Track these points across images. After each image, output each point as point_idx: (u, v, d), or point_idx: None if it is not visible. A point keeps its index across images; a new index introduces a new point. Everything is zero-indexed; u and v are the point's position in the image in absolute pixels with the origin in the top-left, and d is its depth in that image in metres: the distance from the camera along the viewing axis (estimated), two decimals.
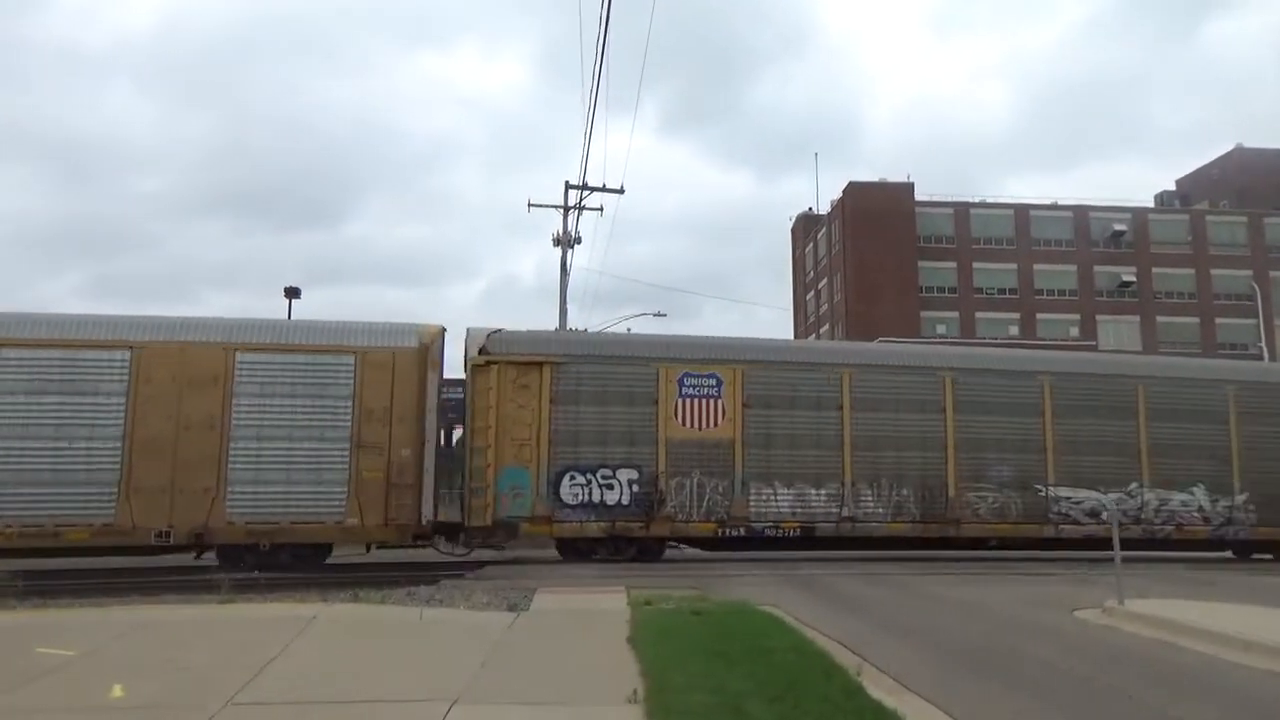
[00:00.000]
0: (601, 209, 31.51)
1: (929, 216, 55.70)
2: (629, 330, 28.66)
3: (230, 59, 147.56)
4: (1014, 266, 55.46)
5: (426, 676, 6.95)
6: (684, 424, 16.94)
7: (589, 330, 29.09)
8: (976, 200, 57.18)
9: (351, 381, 15.56)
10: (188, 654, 7.60)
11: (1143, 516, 18.33)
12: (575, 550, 16.88)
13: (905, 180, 56.22)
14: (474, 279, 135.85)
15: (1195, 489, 18.79)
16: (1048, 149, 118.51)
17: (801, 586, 13.46)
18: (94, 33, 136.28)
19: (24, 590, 11.15)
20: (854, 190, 56.20)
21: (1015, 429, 18.30)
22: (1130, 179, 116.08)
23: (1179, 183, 65.69)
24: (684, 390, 17.03)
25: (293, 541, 15.23)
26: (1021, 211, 56.48)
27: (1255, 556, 19.56)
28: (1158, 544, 18.57)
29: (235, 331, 15.70)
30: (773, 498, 17.12)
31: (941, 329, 53.42)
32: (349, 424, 15.43)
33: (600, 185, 29.89)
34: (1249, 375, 20.40)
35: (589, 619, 9.65)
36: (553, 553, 17.71)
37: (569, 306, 30.74)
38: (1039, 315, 54.78)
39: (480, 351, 16.59)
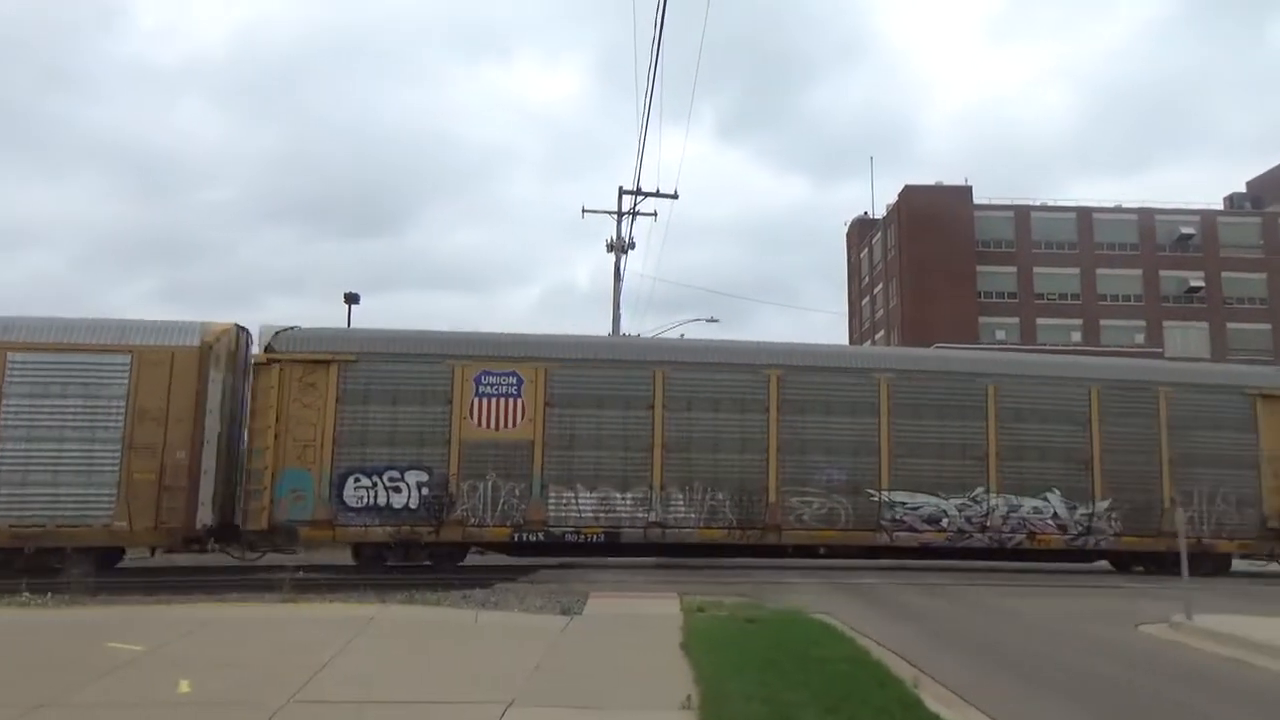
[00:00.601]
0: (655, 214, 31.53)
1: (988, 220, 54.72)
2: (682, 335, 28.68)
3: (298, 73, 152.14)
4: (1076, 271, 54.19)
5: (482, 678, 7.02)
6: (480, 424, 16.08)
7: (626, 333, 29.16)
8: (1037, 203, 56.02)
9: (125, 381, 15.06)
10: (251, 651, 7.79)
11: (989, 524, 16.94)
12: (368, 556, 16.03)
13: (963, 184, 55.36)
14: (530, 285, 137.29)
15: (1050, 495, 17.23)
16: (1112, 153, 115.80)
17: (856, 595, 13.31)
18: (169, 50, 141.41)
19: (95, 587, 11.51)
20: (910, 194, 55.47)
21: (848, 430, 16.97)
22: (1199, 182, 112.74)
23: (1250, 184, 63.56)
24: (481, 389, 16.20)
25: (60, 545, 14.52)
26: (1084, 214, 55.18)
27: (1134, 569, 18.15)
28: (1009, 554, 17.42)
29: (7, 330, 15.27)
30: (574, 501, 16.17)
31: (1000, 334, 52.44)
32: (121, 425, 14.94)
33: (654, 190, 29.93)
34: (1114, 373, 18.59)
35: (642, 624, 9.65)
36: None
37: (622, 312, 30.85)
38: (1103, 321, 53.45)
39: (265, 349, 15.97)
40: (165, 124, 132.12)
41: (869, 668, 7.45)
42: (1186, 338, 52.99)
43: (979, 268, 53.54)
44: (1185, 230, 54.65)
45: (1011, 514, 17.10)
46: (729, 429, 16.74)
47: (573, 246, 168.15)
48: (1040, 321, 53.30)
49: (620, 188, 29.97)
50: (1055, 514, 17.26)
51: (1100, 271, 54.13)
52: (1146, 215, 55.15)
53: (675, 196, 29.98)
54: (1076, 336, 52.33)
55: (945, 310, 50.79)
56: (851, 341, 61.08)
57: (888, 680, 6.97)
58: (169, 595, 11.42)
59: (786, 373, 17.06)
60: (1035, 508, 17.21)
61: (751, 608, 10.55)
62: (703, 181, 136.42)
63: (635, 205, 29.94)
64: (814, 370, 17.29)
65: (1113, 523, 17.29)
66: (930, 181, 56.42)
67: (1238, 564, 18.37)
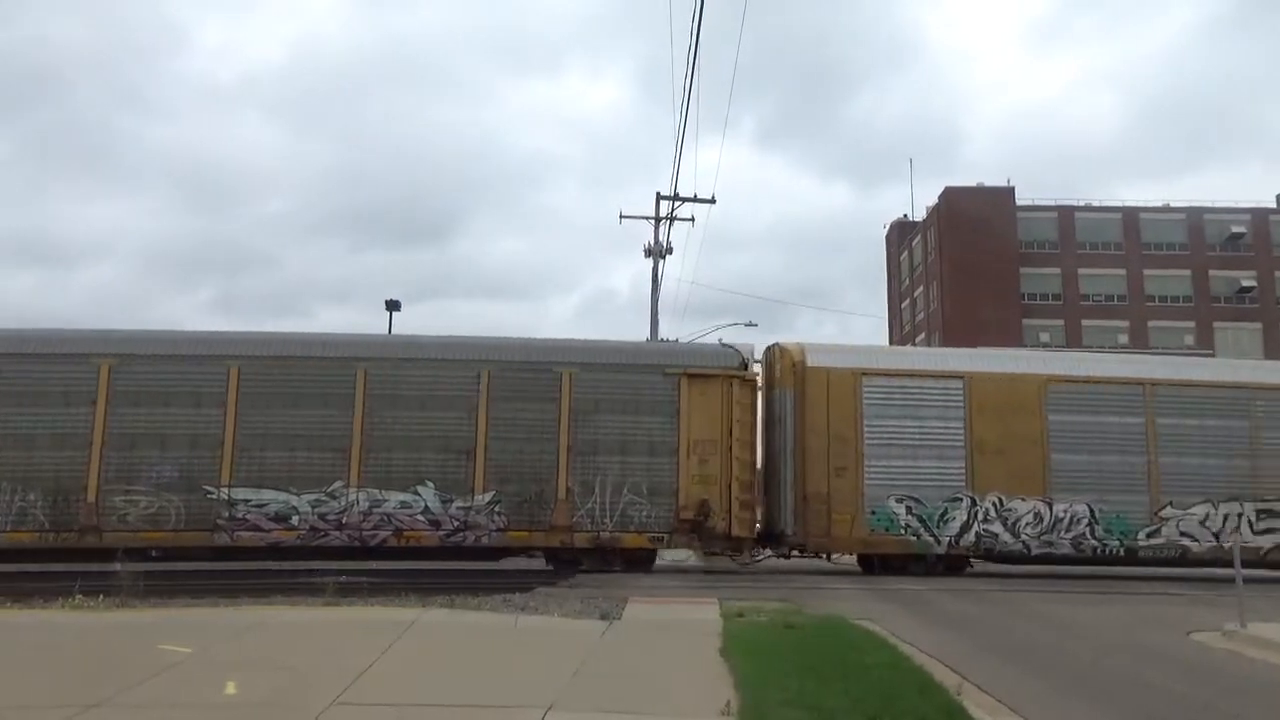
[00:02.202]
0: (693, 219, 31.45)
1: (1031, 221, 53.88)
2: (719, 340, 28.56)
3: (351, 88, 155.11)
4: (1123, 272, 53.14)
5: (521, 682, 7.05)
6: None
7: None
8: (1081, 204, 55.07)
9: None
10: (294, 654, 7.91)
11: (347, 521, 15.84)
12: None
13: (1005, 185, 54.60)
14: (573, 292, 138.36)
15: (422, 488, 16.04)
16: (1159, 156, 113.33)
17: (897, 601, 13.16)
18: (229, 67, 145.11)
19: (145, 590, 11.75)
20: (951, 195, 54.82)
21: (186, 422, 15.85)
22: (1251, 183, 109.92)
23: None
24: None
25: None
26: (1130, 214, 54.11)
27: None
28: (376, 553, 16.27)
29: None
30: None
31: (1045, 337, 51.58)
32: None
33: (692, 196, 29.91)
34: (509, 354, 16.92)
35: (681, 630, 9.63)
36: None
37: (660, 318, 30.85)
38: (1150, 323, 52.35)
39: None
40: (222, 139, 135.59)
41: (910, 674, 7.37)
42: (1239, 339, 51.72)
43: (1022, 269, 52.70)
44: (1236, 229, 53.35)
45: (374, 509, 16.00)
46: (45, 424, 15.75)
47: (615, 253, 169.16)
48: (1086, 324, 52.36)
49: (658, 193, 30.00)
50: (427, 508, 16.15)
51: (1148, 272, 53.04)
52: (1195, 215, 53.94)
53: (713, 201, 29.96)
54: (1124, 339, 51.33)
55: (988, 313, 50.08)
56: (892, 344, 60.49)
57: (930, 687, 6.89)
58: (216, 598, 11.63)
59: (121, 362, 16.04)
60: (403, 502, 16.08)
61: (791, 613, 10.48)
62: (744, 189, 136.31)
63: (673, 210, 29.96)
64: (155, 359, 16.20)
65: (496, 516, 16.18)
66: (972, 184, 55.73)
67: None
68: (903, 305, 63.12)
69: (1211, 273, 52.98)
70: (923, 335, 57.73)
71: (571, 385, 16.45)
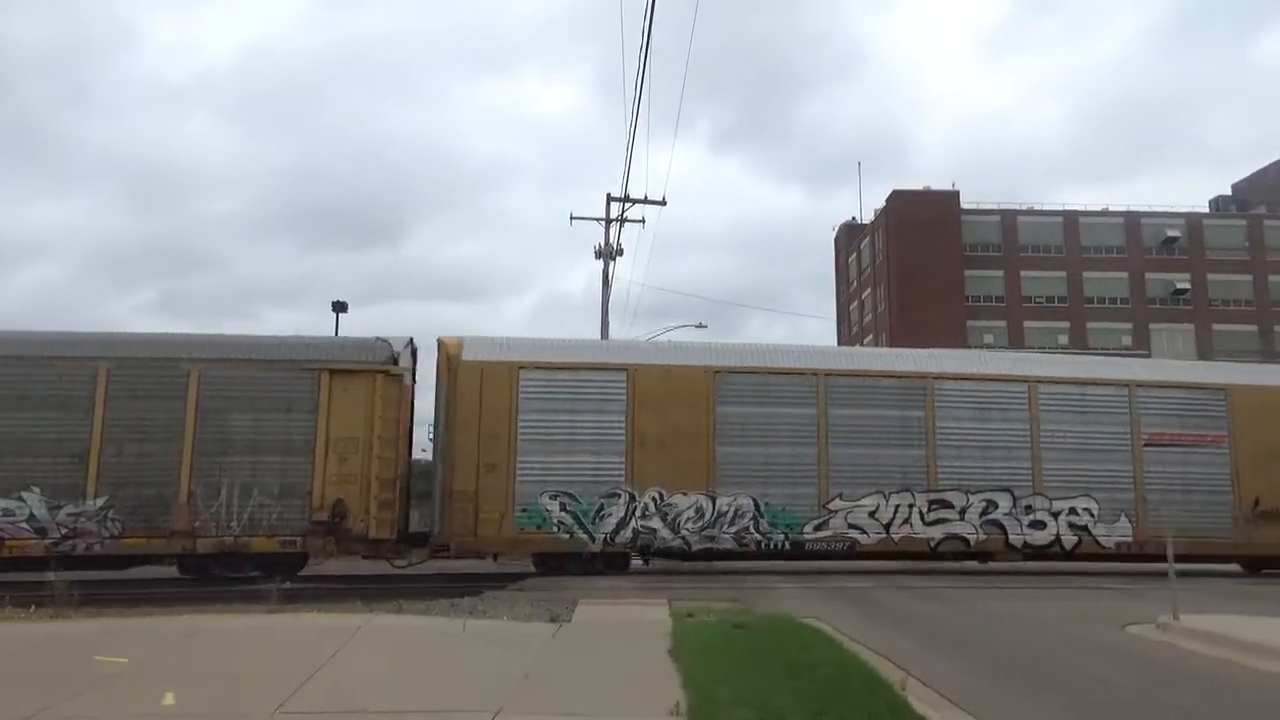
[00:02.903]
0: (643, 221, 31.50)
1: (975, 224, 54.97)
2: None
3: (304, 89, 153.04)
4: (1063, 274, 54.48)
5: (470, 687, 6.99)
6: None
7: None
8: (1024, 207, 56.31)
9: None
10: (236, 663, 7.73)
11: None
12: None
13: (950, 188, 55.60)
14: (527, 294, 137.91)
15: (27, 494, 15.07)
16: (1101, 162, 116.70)
17: (845, 600, 13.31)
18: (180, 66, 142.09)
19: (80, 600, 11.42)
20: (898, 198, 55.68)
21: None
22: (1188, 189, 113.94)
23: (1235, 187, 64.09)
24: None
25: None
26: (1070, 218, 55.50)
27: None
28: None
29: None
30: None
31: (989, 338, 52.63)
32: None
33: (643, 197, 29.97)
34: (130, 350, 16.02)
35: (631, 631, 9.62)
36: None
37: (612, 320, 30.85)
38: (1090, 324, 53.73)
39: None
40: (171, 139, 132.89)
41: (857, 671, 7.45)
42: (1174, 339, 53.34)
43: (967, 272, 53.76)
44: (1171, 233, 55.03)
45: None
46: None
47: (569, 255, 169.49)
48: (1028, 325, 53.56)
49: (608, 194, 30.02)
50: (32, 515, 15.11)
51: (1087, 274, 54.45)
52: (1132, 218, 55.52)
53: (663, 203, 30.06)
54: (1064, 339, 52.60)
55: (934, 314, 50.97)
56: (840, 345, 61.20)
57: (876, 684, 6.97)
58: (153, 607, 11.34)
59: None
60: (5, 509, 15.07)
61: (740, 613, 10.54)
62: (699, 192, 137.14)
63: (624, 212, 29.98)
64: None
65: (110, 523, 15.20)
66: (919, 188, 56.67)
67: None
68: (851, 307, 63.95)
69: (1148, 275, 54.56)
70: (870, 337, 58.53)
71: (200, 382, 15.62)
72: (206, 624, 9.71)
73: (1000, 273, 54.48)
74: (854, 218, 65.35)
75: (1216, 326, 53.87)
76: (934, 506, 17.39)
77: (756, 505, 16.97)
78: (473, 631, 9.43)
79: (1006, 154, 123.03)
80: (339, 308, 31.82)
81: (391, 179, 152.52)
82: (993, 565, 18.45)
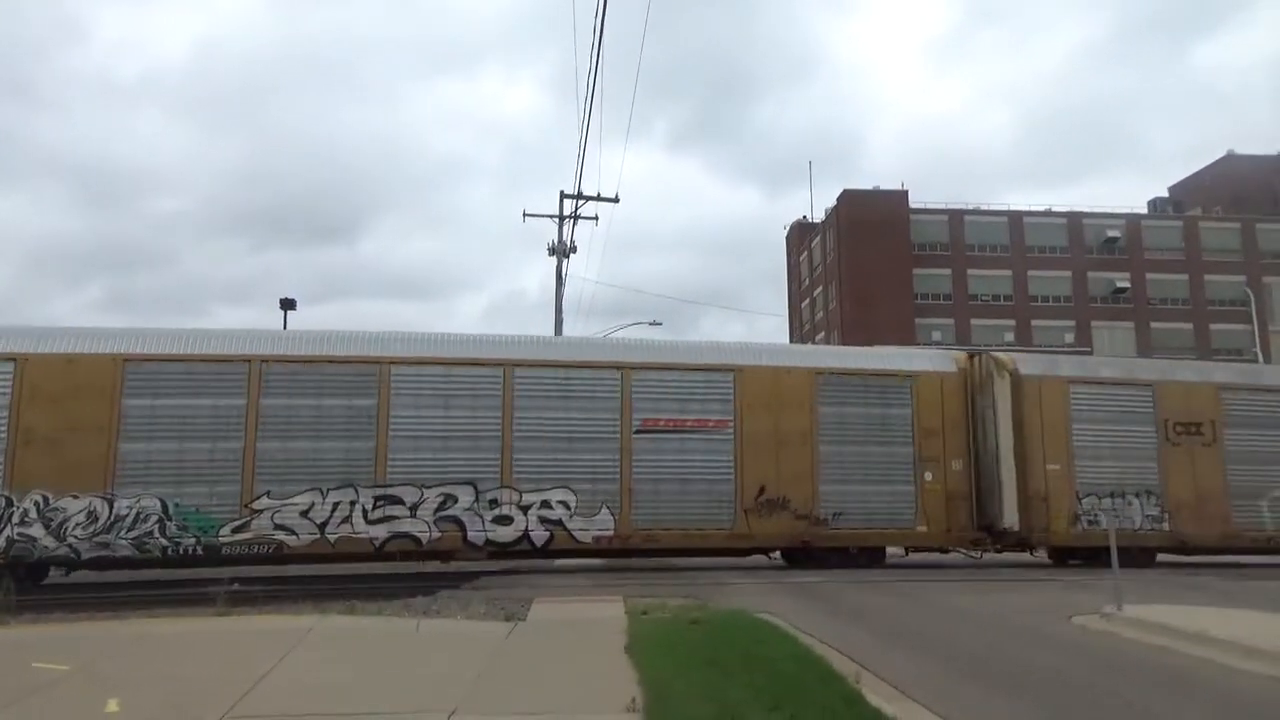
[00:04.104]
0: (596, 218, 31.54)
1: (923, 224, 55.87)
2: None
3: (259, 88, 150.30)
4: (1009, 273, 55.63)
5: (424, 688, 6.92)
6: None
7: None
8: (970, 207, 57.35)
9: None
10: (183, 667, 7.56)
11: None
12: None
13: (900, 188, 56.42)
14: (482, 292, 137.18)
15: None
16: (1046, 167, 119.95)
17: (800, 594, 13.43)
18: (129, 63, 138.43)
19: (18, 605, 11.08)
20: (849, 198, 56.34)
21: None
22: (1127, 192, 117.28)
23: (1172, 189, 65.99)
24: None
25: None
26: (1015, 218, 56.67)
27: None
28: None
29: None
30: None
31: (937, 335, 53.54)
32: None
33: (595, 195, 29.95)
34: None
35: (586, 629, 9.61)
36: (546, 562, 17.69)
37: (566, 317, 30.76)
38: (1034, 322, 54.94)
39: None
40: (119, 136, 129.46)
41: (812, 665, 7.52)
42: (1114, 337, 54.76)
43: (915, 270, 54.63)
44: (1111, 233, 56.47)
45: None
46: None
47: (524, 254, 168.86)
48: (975, 322, 54.58)
49: (561, 192, 29.95)
50: None
51: (1031, 273, 55.65)
52: (1075, 219, 56.87)
53: (616, 200, 30.11)
54: (1009, 337, 53.69)
55: (884, 312, 51.71)
56: (793, 342, 61.79)
57: (830, 677, 7.05)
58: (96, 612, 11.04)
59: None
60: None
61: (695, 609, 10.58)
62: (657, 193, 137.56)
63: (576, 209, 29.92)
64: None
65: None
66: (869, 188, 57.41)
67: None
68: (803, 305, 64.58)
69: (1090, 274, 55.92)
70: (822, 334, 59.15)
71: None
72: (153, 628, 9.49)
73: (948, 271, 55.45)
74: (805, 217, 66.03)
75: (1155, 325, 55.44)
76: (381, 503, 15.90)
77: (165, 507, 15.17)
78: (427, 632, 9.34)
79: (954, 158, 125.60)
80: (287, 305, 31.32)
81: (346, 178, 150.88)
82: (946, 559, 18.74)
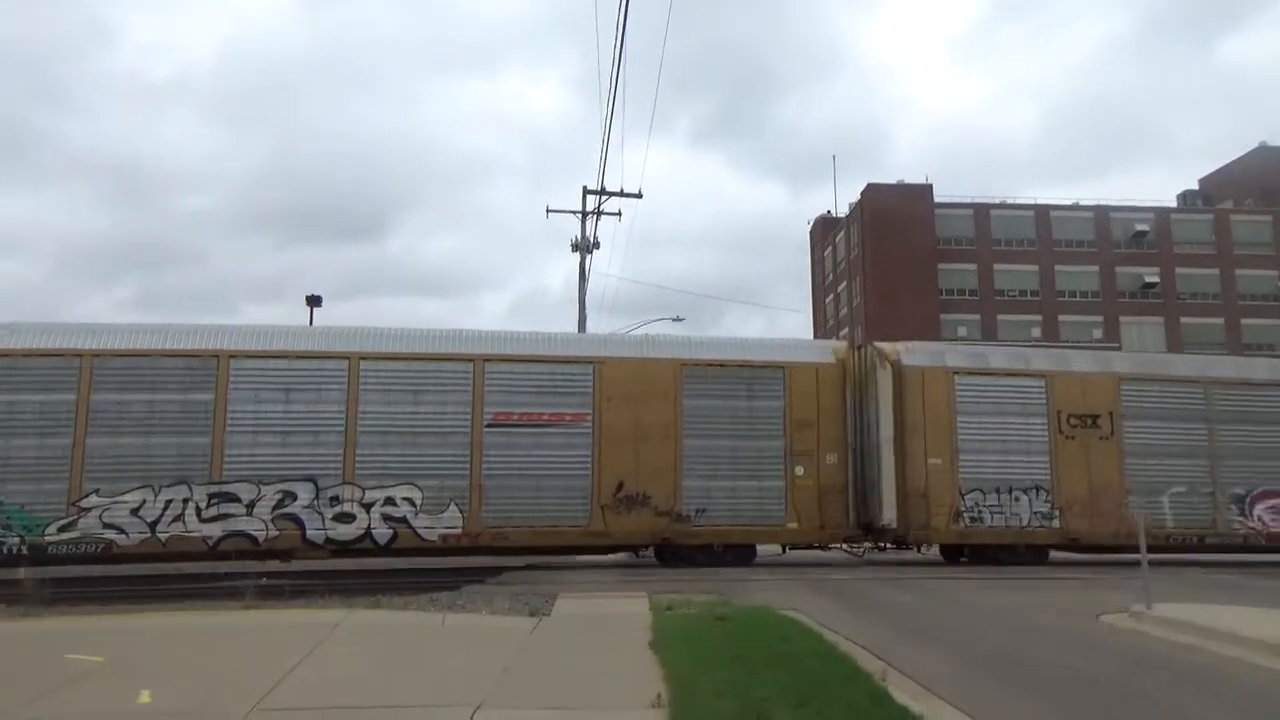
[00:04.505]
0: (620, 214, 31.52)
1: (948, 218, 55.40)
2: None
3: (285, 88, 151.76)
4: (1035, 268, 55.04)
5: (450, 682, 6.96)
6: None
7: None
8: (996, 201, 56.79)
9: None
10: (213, 660, 7.66)
11: None
12: None
13: (924, 182, 55.97)
14: (506, 289, 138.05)
15: None
16: (1072, 162, 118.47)
17: (823, 591, 13.39)
18: (159, 65, 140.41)
19: (51, 598, 11.27)
20: (872, 192, 55.98)
21: None
22: (1155, 186, 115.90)
23: (1202, 182, 64.98)
24: None
25: None
26: (1042, 212, 56.05)
27: None
28: None
29: None
30: None
31: (963, 331, 53.11)
32: None
33: (619, 190, 29.94)
34: None
35: (611, 624, 9.63)
36: (569, 558, 17.73)
37: (590, 313, 30.79)
38: (1061, 317, 54.34)
39: None
40: (149, 136, 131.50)
41: (837, 662, 7.50)
42: (1143, 333, 54.05)
43: (940, 265, 54.18)
44: (1140, 227, 55.73)
45: None
46: None
47: (548, 251, 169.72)
48: (1001, 318, 54.06)
49: (584, 187, 29.98)
50: None
51: (1059, 268, 55.03)
52: (1102, 213, 56.16)
53: (639, 196, 30.05)
54: (1036, 332, 53.17)
55: (908, 307, 51.30)
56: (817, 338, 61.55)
57: (856, 674, 7.02)
58: (127, 605, 11.20)
59: None
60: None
61: (720, 605, 10.57)
62: (680, 189, 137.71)
63: (600, 205, 29.93)
64: None
65: None
66: (893, 180, 57.00)
67: None
68: (826, 300, 64.27)
69: (1118, 269, 55.23)
70: (846, 330, 58.86)
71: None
72: (184, 621, 9.62)
73: (973, 266, 54.95)
74: (829, 211, 65.63)
75: (1185, 320, 54.67)
76: (215, 500, 15.42)
77: None
78: (452, 626, 9.40)
79: (979, 153, 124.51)
80: (313, 302, 31.56)
81: (372, 176, 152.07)
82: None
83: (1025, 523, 17.47)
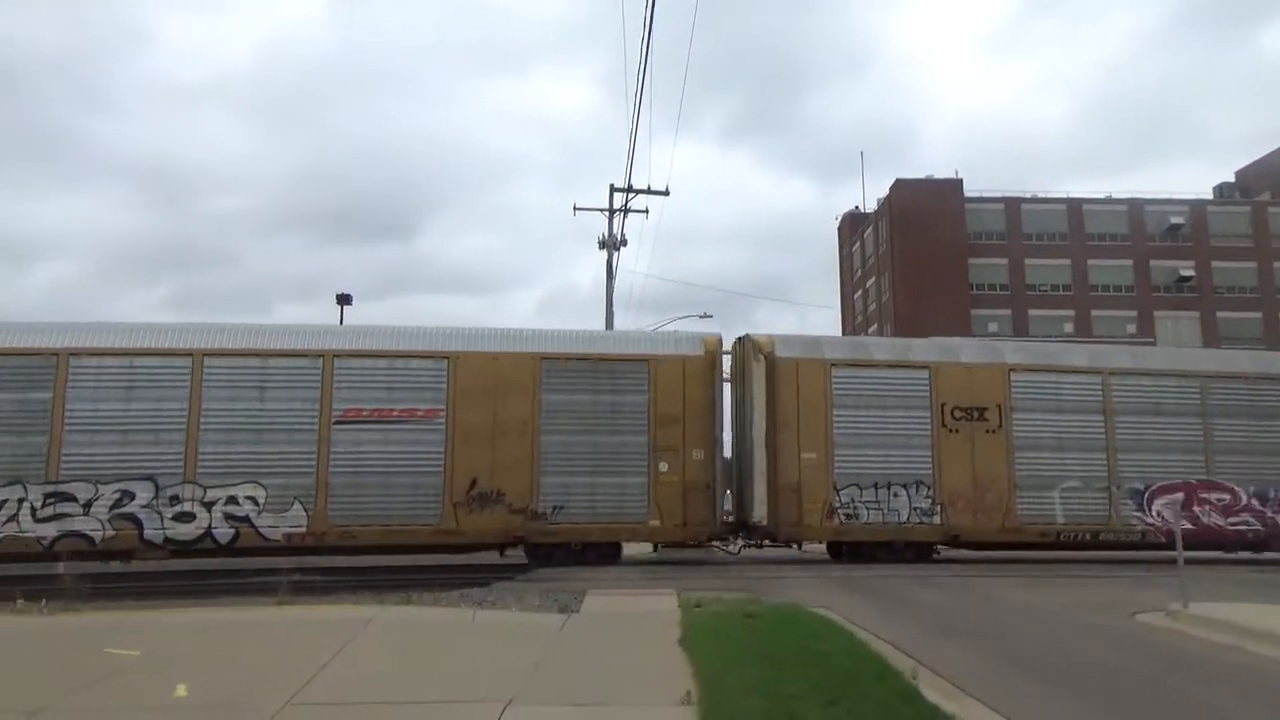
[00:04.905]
0: (647, 211, 31.44)
1: (979, 213, 54.80)
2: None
3: (318, 90, 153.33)
4: (1067, 262, 54.29)
5: (481, 678, 7.00)
6: None
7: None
8: (1027, 195, 56.11)
9: None
10: (248, 655, 7.76)
11: None
12: None
13: (953, 176, 55.43)
14: (535, 287, 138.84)
15: None
16: (1105, 155, 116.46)
17: (854, 589, 13.32)
18: (194, 68, 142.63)
19: (90, 593, 11.47)
20: (901, 187, 55.51)
21: None
22: (1191, 179, 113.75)
23: (1239, 174, 63.73)
24: None
25: None
26: (1074, 206, 55.28)
27: None
28: None
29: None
30: None
31: (994, 327, 52.53)
32: None
33: (645, 188, 29.93)
34: None
35: (640, 621, 9.64)
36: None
37: (617, 310, 30.81)
38: (1094, 312, 53.57)
39: None
40: (184, 138, 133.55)
41: (868, 660, 7.46)
42: (1178, 327, 53.15)
43: (971, 260, 53.61)
44: (1175, 220, 54.79)
45: None
46: None
47: (576, 249, 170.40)
48: (1033, 313, 53.41)
49: (611, 185, 29.99)
50: None
51: (1091, 262, 54.25)
52: (1136, 206, 55.28)
53: (666, 193, 30.03)
54: (1069, 328, 52.48)
55: (938, 303, 50.83)
56: (844, 335, 61.17)
57: (886, 672, 6.98)
58: (164, 600, 11.38)
59: None
60: None
61: (749, 603, 10.55)
62: (709, 186, 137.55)
63: (626, 203, 29.94)
64: None
65: None
66: (922, 175, 56.49)
67: None
68: (855, 296, 63.85)
69: (1152, 262, 54.36)
70: (875, 326, 58.48)
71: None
72: (218, 616, 9.75)
73: (1004, 261, 54.32)
74: (857, 207, 65.17)
75: (1221, 314, 53.71)
76: (51, 500, 15.20)
77: None
78: (483, 622, 9.46)
79: (1010, 148, 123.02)
80: (344, 300, 31.89)
81: (403, 176, 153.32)
82: (1021, 555, 18.05)
83: (904, 519, 16.97)
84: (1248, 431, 18.39)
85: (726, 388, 17.83)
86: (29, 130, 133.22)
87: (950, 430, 17.33)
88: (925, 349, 18.61)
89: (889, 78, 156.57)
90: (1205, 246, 54.72)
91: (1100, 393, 18.03)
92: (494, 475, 16.21)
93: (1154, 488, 17.88)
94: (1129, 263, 54.38)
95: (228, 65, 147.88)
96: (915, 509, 17.07)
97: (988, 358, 18.32)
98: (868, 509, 16.93)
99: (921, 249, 52.94)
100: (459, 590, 11.78)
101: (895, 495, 17.01)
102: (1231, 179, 62.72)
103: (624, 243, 30.69)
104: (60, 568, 14.50)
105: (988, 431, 17.45)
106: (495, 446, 16.25)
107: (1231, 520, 17.97)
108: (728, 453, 17.73)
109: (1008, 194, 55.55)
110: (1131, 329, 52.69)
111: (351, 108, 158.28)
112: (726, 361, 17.93)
